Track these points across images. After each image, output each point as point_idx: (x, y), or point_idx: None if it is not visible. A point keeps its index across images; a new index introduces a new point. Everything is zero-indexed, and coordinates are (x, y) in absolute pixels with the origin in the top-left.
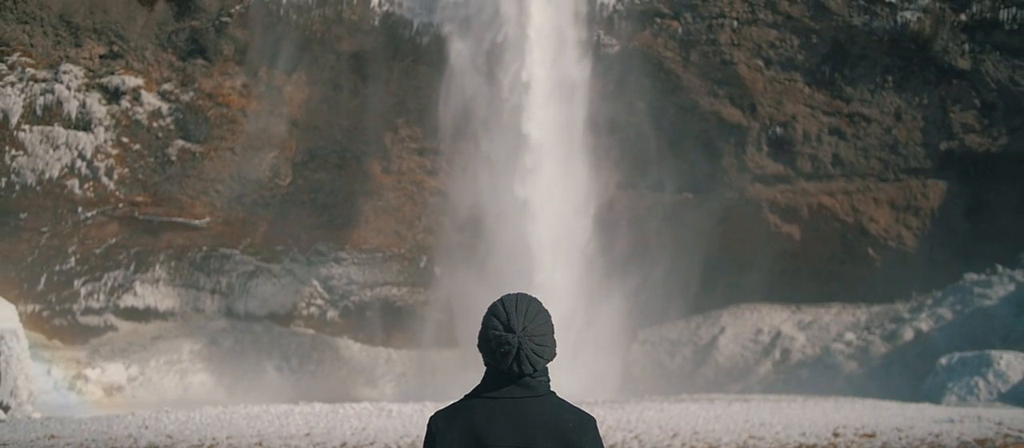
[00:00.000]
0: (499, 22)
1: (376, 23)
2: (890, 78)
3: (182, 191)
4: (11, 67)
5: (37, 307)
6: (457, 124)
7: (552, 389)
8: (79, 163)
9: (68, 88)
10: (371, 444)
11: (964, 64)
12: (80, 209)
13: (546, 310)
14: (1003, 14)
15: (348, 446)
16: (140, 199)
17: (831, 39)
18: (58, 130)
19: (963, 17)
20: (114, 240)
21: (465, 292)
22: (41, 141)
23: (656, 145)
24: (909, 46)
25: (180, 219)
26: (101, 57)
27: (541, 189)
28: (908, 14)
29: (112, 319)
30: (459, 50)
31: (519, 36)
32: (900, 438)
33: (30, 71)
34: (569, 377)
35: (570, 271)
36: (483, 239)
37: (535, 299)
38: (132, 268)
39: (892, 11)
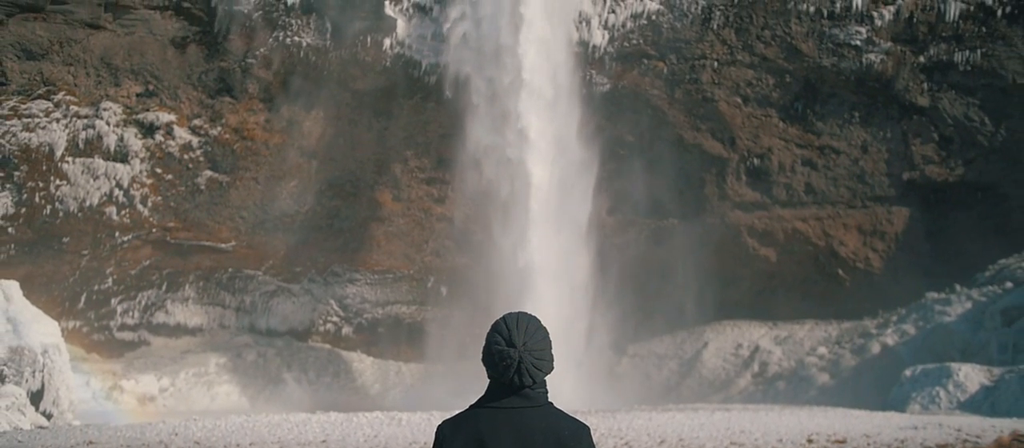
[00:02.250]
0: (502, 150)
1: (388, 64)
2: (857, 114)
3: (210, 217)
4: (57, 105)
5: (77, 323)
6: (476, 197)
7: (550, 400)
8: (117, 192)
9: (107, 123)
10: None
11: (923, 101)
12: (117, 234)
13: (545, 327)
14: (957, 56)
15: None
16: (172, 225)
17: (803, 79)
18: (98, 162)
19: (922, 59)
20: (148, 262)
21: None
22: (83, 172)
23: (644, 175)
24: (874, 85)
25: (208, 243)
26: (138, 95)
27: (542, 231)
28: (872, 56)
29: (145, 335)
30: (478, 137)
31: (522, 179)
32: (868, 443)
33: (74, 108)
34: (565, 389)
35: (565, 292)
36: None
37: (535, 317)
38: (164, 288)
39: (858, 53)
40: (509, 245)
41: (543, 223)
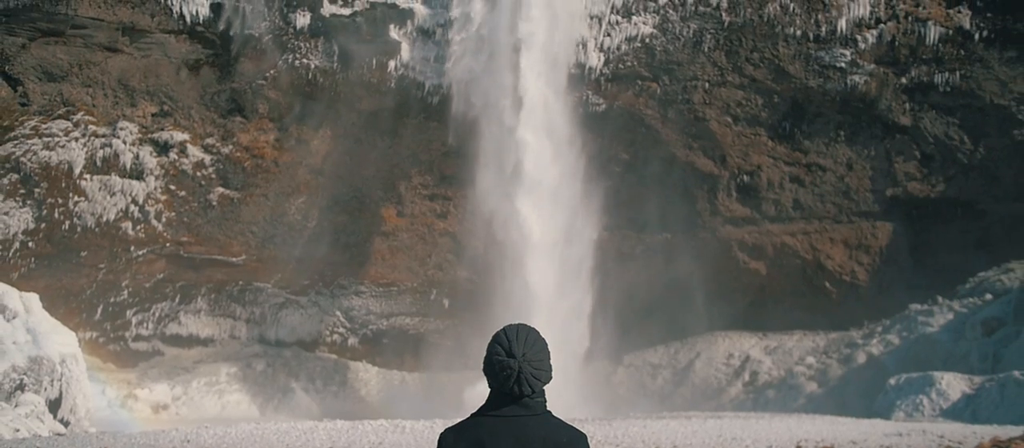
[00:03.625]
0: (507, 222)
1: (392, 85)
2: (842, 133)
3: (222, 232)
4: (76, 124)
5: (94, 334)
6: (486, 242)
7: (548, 408)
8: (132, 208)
9: (124, 142)
10: None
11: (906, 121)
12: (132, 248)
13: (543, 339)
14: (938, 78)
15: None
16: (185, 239)
17: (790, 99)
18: (115, 179)
19: (904, 80)
20: (162, 275)
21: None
22: (100, 189)
23: (638, 192)
24: (858, 105)
25: (219, 257)
26: (153, 115)
27: (542, 252)
28: (857, 77)
29: (159, 345)
30: (486, 188)
31: (521, 279)
32: None
33: (92, 128)
34: (563, 397)
35: (565, 304)
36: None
37: (533, 329)
38: (177, 300)
39: (843, 75)
40: (512, 309)
41: (545, 305)
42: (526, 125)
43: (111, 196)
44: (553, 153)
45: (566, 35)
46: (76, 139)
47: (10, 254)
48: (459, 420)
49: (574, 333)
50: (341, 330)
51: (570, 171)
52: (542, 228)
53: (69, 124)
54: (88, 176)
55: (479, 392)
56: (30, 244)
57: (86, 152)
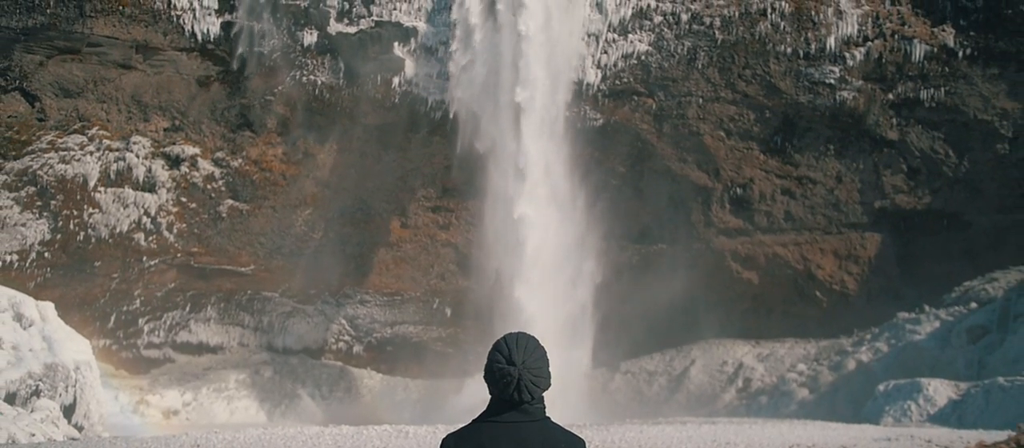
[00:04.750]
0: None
1: (397, 100)
2: (832, 147)
3: (231, 243)
4: (90, 139)
5: (107, 342)
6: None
7: (547, 414)
8: (145, 219)
9: (137, 156)
10: None
11: (893, 135)
12: (145, 258)
13: (542, 347)
14: (923, 94)
15: None
16: (195, 250)
17: (782, 114)
18: (128, 191)
19: (891, 96)
20: (173, 285)
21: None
22: (114, 201)
23: (635, 203)
24: (847, 120)
25: (229, 267)
26: (165, 130)
27: (541, 268)
28: (845, 93)
29: (170, 353)
30: (492, 238)
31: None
32: None
33: (106, 142)
34: (562, 404)
35: (564, 313)
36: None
37: (533, 337)
38: (188, 309)
39: (832, 91)
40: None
41: (550, 342)
42: (528, 201)
43: (124, 208)
44: (557, 220)
45: (566, 88)
46: (91, 153)
47: (27, 264)
48: (460, 426)
49: (574, 378)
50: (346, 338)
51: (572, 233)
52: (544, 297)
53: (84, 138)
54: (102, 189)
55: (465, 399)
56: (46, 254)
57: (100, 165)
